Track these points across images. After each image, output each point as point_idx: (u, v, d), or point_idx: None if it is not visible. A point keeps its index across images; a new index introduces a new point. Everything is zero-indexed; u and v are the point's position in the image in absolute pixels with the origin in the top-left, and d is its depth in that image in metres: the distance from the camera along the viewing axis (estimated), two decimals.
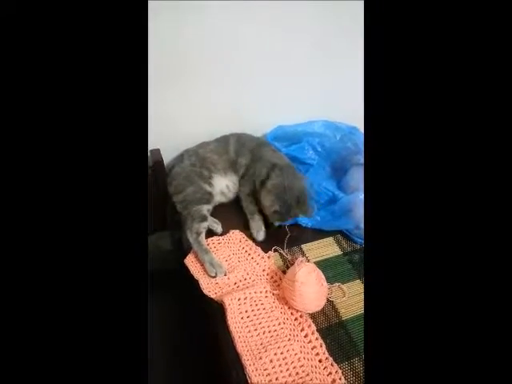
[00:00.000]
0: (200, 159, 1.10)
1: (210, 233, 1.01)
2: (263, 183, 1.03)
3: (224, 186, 1.11)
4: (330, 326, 0.82)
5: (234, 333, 0.78)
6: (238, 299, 0.83)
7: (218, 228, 1.02)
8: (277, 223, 1.01)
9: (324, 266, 0.94)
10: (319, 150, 1.24)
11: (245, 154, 1.13)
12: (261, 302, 0.84)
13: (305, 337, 0.79)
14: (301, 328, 0.80)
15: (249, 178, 1.08)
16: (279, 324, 0.81)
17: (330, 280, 0.90)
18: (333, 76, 1.25)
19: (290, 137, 1.21)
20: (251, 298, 0.84)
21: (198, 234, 0.95)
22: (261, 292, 0.86)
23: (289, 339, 0.78)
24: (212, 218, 1.03)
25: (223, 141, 1.15)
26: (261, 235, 1.00)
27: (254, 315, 0.82)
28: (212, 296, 0.85)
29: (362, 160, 1.13)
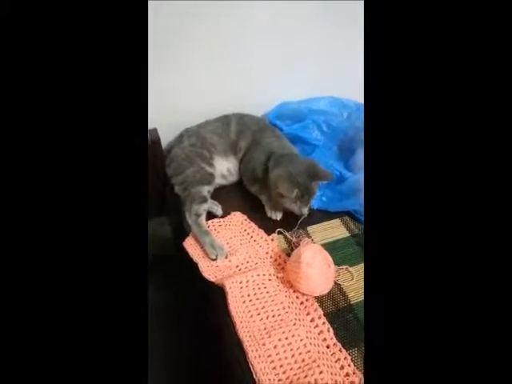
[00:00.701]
0: (200, 139, 1.05)
1: (210, 215, 0.95)
2: (265, 174, 0.97)
3: (225, 168, 1.06)
4: (337, 311, 0.77)
5: (235, 318, 0.73)
6: (240, 282, 0.78)
7: (218, 210, 0.97)
8: (305, 211, 0.94)
9: (331, 248, 0.89)
10: (325, 129, 1.18)
11: (246, 136, 1.07)
12: (264, 286, 0.79)
13: (311, 321, 0.74)
14: (307, 312, 0.75)
15: (248, 163, 1.03)
16: (284, 308, 0.76)
17: (337, 263, 0.85)
18: (339, 50, 1.18)
19: (293, 114, 1.15)
20: (253, 281, 0.79)
21: (198, 215, 0.90)
22: (264, 275, 0.81)
23: (294, 324, 0.73)
24: (212, 200, 0.98)
25: (224, 121, 1.09)
26: (279, 215, 0.96)
27: (257, 299, 0.77)
28: (212, 279, 0.80)
29: None
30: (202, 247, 0.86)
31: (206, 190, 0.96)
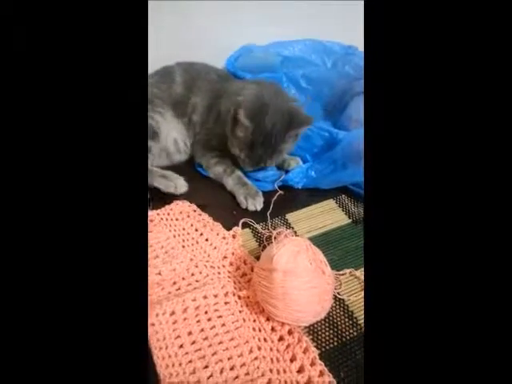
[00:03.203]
0: None
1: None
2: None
3: (171, 140, 0.74)
4: (343, 346, 0.46)
5: (163, 377, 0.41)
6: (172, 313, 0.45)
7: (179, 186, 0.66)
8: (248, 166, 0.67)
9: (324, 242, 0.59)
10: (304, 85, 0.86)
11: (201, 89, 0.75)
12: (217, 315, 0.47)
13: (299, 372, 0.42)
14: (290, 356, 0.43)
15: (214, 126, 0.71)
16: (250, 352, 0.44)
17: (335, 265, 0.54)
18: None
19: (261, 63, 0.84)
20: (197, 307, 0.47)
21: None
22: (216, 296, 0.48)
23: (269, 381, 0.41)
24: (162, 171, 0.67)
25: (164, 73, 0.78)
26: (258, 201, 0.65)
27: (205, 339, 0.45)
28: None
29: None
30: None
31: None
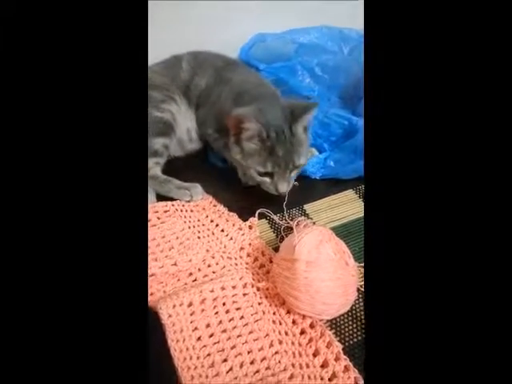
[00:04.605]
0: None
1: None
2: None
3: (184, 129, 0.72)
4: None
5: (181, 370, 0.39)
6: (190, 304, 0.44)
7: (195, 194, 0.62)
8: (283, 188, 0.58)
9: (345, 234, 0.57)
10: (319, 73, 0.84)
11: (206, 73, 0.73)
12: (236, 307, 0.45)
13: (322, 367, 0.40)
14: (313, 350, 0.41)
15: (212, 106, 0.69)
16: (270, 346, 0.42)
17: (357, 256, 0.51)
18: None
19: (275, 52, 0.82)
20: (215, 298, 0.45)
21: (148, 169, 0.62)
22: (234, 287, 0.47)
23: (291, 376, 0.39)
24: (179, 182, 0.64)
25: (173, 61, 0.76)
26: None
27: (223, 332, 0.43)
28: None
29: None
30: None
31: (160, 142, 0.66)
